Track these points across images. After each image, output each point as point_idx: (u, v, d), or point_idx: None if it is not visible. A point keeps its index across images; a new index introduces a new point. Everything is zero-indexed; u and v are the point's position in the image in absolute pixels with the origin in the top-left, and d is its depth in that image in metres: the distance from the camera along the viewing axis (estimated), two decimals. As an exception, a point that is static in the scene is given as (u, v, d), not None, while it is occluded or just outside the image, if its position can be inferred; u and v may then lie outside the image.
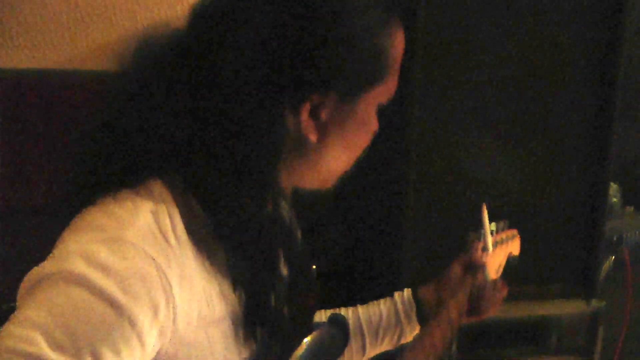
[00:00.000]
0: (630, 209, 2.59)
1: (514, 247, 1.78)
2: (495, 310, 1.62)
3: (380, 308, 1.57)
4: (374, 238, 2.34)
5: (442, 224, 2.16)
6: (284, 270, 1.22)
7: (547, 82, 2.20)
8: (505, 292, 1.63)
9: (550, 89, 2.21)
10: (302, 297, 1.28)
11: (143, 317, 0.93)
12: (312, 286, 1.33)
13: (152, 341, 0.95)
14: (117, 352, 0.90)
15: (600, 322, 2.31)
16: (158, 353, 0.99)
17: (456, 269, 1.60)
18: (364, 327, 1.54)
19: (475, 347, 2.32)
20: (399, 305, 1.56)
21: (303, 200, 1.27)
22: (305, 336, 1.26)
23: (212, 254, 1.06)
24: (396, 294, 1.60)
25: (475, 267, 1.60)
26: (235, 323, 1.08)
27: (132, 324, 0.92)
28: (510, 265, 1.78)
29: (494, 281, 1.64)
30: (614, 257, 2.48)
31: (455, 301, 1.53)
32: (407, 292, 1.59)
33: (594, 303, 2.31)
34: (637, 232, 2.55)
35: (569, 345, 2.37)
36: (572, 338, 2.36)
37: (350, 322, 1.55)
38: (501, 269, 1.74)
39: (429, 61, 2.07)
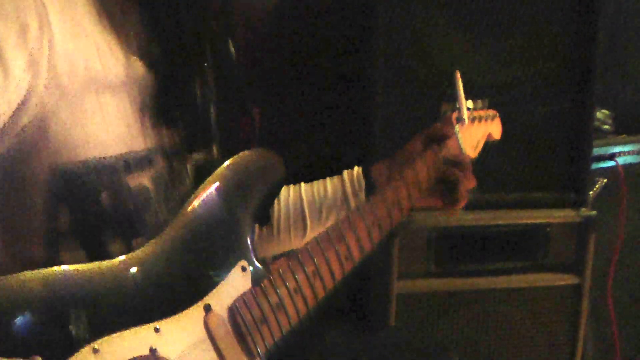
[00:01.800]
0: (623, 135, 2.44)
1: (495, 129, 1.62)
2: (465, 192, 1.44)
3: (325, 185, 1.44)
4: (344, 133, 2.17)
5: (413, 118, 1.99)
6: (210, 71, 1.09)
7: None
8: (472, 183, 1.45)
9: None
10: (233, 111, 1.14)
11: (7, 33, 0.84)
12: (245, 111, 1.18)
13: (19, 70, 0.85)
14: None
15: (591, 232, 2.11)
16: (35, 102, 0.87)
17: (416, 143, 1.45)
18: (305, 203, 1.41)
19: (456, 261, 2.13)
20: (347, 183, 1.43)
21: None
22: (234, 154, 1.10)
23: (118, 21, 0.97)
24: (345, 172, 1.46)
25: (442, 137, 1.44)
26: (142, 101, 0.98)
27: None
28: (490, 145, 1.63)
29: (467, 159, 1.48)
30: (606, 179, 2.29)
31: (412, 169, 1.37)
32: (357, 169, 1.45)
33: (584, 212, 2.12)
34: (630, 152, 2.39)
35: (559, 261, 2.17)
36: (561, 252, 2.16)
37: (291, 198, 1.43)
38: (479, 149, 1.58)
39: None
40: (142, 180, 0.98)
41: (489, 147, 1.64)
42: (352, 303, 2.18)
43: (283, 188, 1.45)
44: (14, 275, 0.86)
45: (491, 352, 2.17)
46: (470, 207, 2.04)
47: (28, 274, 0.87)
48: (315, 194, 1.42)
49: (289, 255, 1.16)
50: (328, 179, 1.45)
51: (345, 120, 2.17)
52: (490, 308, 2.15)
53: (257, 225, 1.27)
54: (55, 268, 0.90)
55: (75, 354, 0.88)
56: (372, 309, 2.14)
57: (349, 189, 1.41)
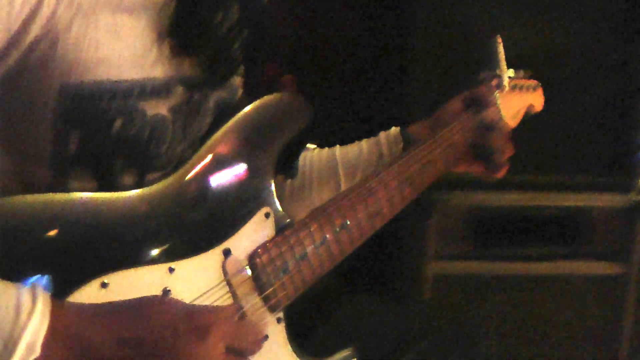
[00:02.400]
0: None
1: (536, 100, 1.54)
2: (503, 160, 1.36)
3: (361, 146, 1.38)
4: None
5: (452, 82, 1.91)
6: (236, 7, 1.01)
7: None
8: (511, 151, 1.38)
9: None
10: (260, 54, 1.07)
11: None
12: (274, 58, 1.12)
13: None
14: None
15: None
16: (46, 13, 0.82)
17: (455, 104, 1.38)
18: (339, 164, 1.35)
19: (494, 243, 2.05)
20: (383, 142, 1.36)
21: None
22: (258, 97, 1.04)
23: None
24: (382, 133, 1.39)
25: (481, 102, 1.37)
26: (161, 26, 0.92)
27: None
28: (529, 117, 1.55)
29: (506, 128, 1.40)
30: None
31: (448, 130, 1.31)
32: (394, 129, 1.39)
33: (634, 197, 2.02)
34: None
35: (603, 249, 2.07)
36: (606, 239, 2.06)
37: (324, 158, 1.37)
38: (518, 119, 1.50)
39: None
40: (160, 109, 0.93)
41: (533, 124, 1.56)
42: (385, 280, 2.11)
43: (317, 150, 1.40)
44: (21, 196, 0.82)
45: (526, 341, 2.08)
46: (511, 187, 1.98)
47: (36, 197, 0.83)
48: (350, 154, 1.36)
49: (317, 207, 1.10)
50: (364, 140, 1.39)
51: (383, 82, 2.10)
52: (528, 295, 2.06)
53: (287, 179, 1.21)
54: (65, 194, 0.86)
55: (82, 286, 0.84)
56: (406, 288, 2.07)
57: (385, 149, 1.35)
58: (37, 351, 0.73)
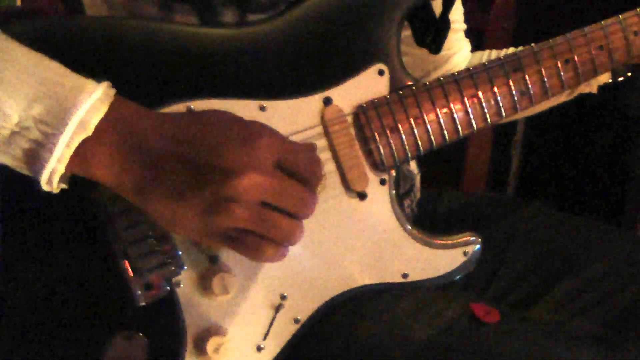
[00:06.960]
0: None
1: None
2: None
3: None
4: None
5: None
6: None
7: None
8: None
9: None
10: None
11: None
12: None
13: None
14: None
15: None
16: None
17: None
18: None
19: None
20: None
21: None
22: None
23: None
24: None
25: None
26: None
27: None
28: None
29: None
30: None
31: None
32: None
33: None
34: None
35: None
36: None
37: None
38: None
39: None
40: None
41: None
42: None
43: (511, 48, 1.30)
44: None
45: None
46: None
47: (140, 21, 0.90)
48: None
49: (445, 75, 1.02)
50: None
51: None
52: None
53: (431, 52, 1.14)
54: (167, 23, 0.91)
55: (168, 106, 0.88)
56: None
57: None
58: (89, 130, 0.76)
